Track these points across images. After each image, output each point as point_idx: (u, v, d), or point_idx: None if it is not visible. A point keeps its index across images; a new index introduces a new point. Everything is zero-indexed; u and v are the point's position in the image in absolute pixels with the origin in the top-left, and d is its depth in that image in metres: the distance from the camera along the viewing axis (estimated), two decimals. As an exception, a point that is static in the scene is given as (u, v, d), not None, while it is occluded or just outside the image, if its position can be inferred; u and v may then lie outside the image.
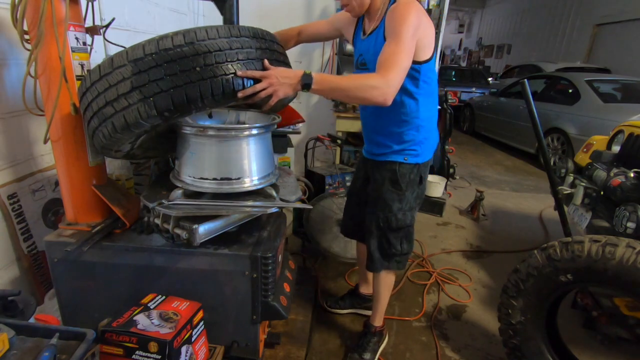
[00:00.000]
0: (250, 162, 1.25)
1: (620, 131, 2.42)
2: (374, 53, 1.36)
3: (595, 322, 1.78)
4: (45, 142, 1.24)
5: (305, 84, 1.14)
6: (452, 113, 3.73)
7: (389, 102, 1.21)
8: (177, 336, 1.07)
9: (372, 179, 1.62)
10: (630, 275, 1.25)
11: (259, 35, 1.13)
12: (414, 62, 1.35)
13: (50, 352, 0.88)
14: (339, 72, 3.55)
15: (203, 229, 1.18)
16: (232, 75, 1.02)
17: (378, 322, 1.81)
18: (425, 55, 1.38)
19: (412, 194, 1.55)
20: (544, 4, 11.25)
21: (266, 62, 1.11)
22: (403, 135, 1.49)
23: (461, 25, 18.00)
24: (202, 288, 1.31)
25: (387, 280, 1.71)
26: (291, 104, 1.67)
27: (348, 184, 2.49)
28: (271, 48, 1.17)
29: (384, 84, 1.19)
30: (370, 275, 2.03)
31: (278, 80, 1.10)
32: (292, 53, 3.60)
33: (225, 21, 1.58)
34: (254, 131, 1.23)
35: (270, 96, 1.12)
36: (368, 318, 1.87)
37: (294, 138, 2.68)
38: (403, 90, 1.39)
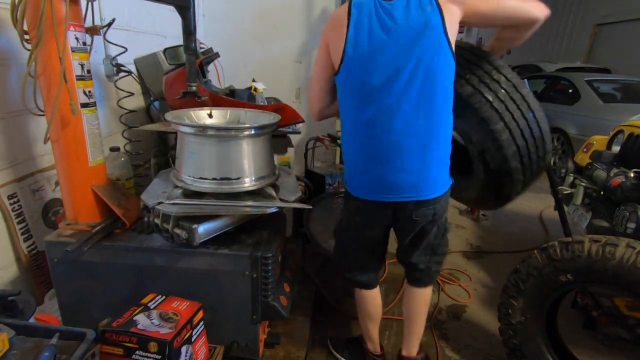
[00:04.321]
0: (250, 162, 1.26)
1: (620, 131, 2.42)
2: None
3: (595, 322, 1.78)
4: (45, 142, 1.24)
5: None
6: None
7: (314, 117, 1.41)
8: (177, 336, 1.07)
9: (408, 221, 1.34)
10: (630, 275, 1.25)
11: None
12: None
13: (50, 352, 0.88)
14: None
15: (202, 229, 1.19)
16: None
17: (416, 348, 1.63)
18: (334, 65, 1.24)
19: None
20: (543, 3, 11.24)
21: None
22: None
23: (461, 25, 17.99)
24: (202, 288, 1.31)
25: (430, 293, 1.58)
26: (291, 104, 1.67)
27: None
28: None
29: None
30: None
31: None
32: (292, 53, 3.55)
33: (185, 27, 1.60)
34: (254, 131, 1.23)
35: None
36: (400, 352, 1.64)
37: (294, 138, 2.67)
38: None
